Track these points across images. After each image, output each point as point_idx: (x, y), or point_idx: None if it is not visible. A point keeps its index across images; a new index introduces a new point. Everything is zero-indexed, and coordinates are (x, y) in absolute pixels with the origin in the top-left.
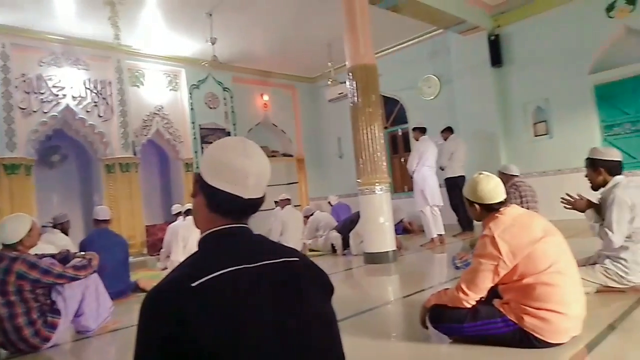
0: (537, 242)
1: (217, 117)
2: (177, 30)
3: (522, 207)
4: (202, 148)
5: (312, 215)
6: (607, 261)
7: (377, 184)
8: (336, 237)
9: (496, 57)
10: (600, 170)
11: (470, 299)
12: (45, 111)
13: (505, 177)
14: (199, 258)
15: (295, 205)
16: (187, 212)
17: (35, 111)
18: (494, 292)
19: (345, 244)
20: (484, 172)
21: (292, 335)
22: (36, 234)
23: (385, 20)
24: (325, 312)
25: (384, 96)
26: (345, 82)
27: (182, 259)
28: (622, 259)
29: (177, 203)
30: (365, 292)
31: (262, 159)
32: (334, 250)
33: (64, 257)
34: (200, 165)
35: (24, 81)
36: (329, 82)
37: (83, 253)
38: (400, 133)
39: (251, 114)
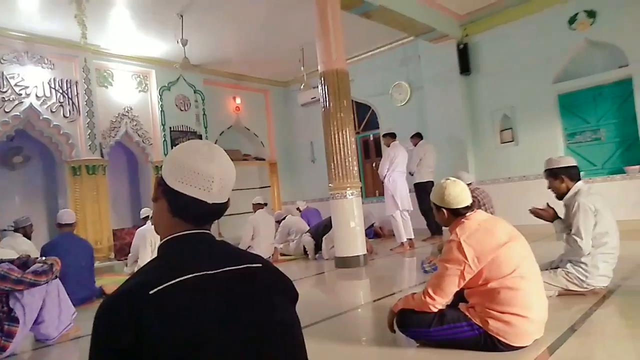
0: (502, 247)
1: (188, 120)
2: (147, 31)
3: None
4: None
5: (283, 219)
6: (568, 265)
7: (348, 189)
8: (309, 242)
9: (465, 65)
10: (562, 177)
11: (437, 304)
12: (7, 110)
13: None
14: (158, 264)
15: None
16: None
17: None
18: (460, 297)
19: (318, 248)
20: (450, 178)
21: (254, 342)
22: None
23: (357, 26)
24: (288, 319)
25: (355, 102)
26: (317, 87)
27: None
28: (582, 263)
29: (146, 207)
30: (336, 296)
31: (227, 163)
32: (305, 253)
33: (23, 262)
34: (163, 168)
35: None
36: (302, 87)
37: (44, 258)
38: (371, 138)
39: (223, 117)
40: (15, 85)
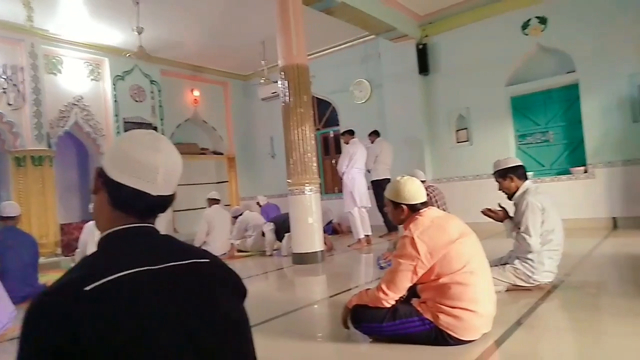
0: (453, 243)
1: (144, 111)
2: (101, 17)
3: None
4: None
5: (240, 215)
6: (516, 262)
7: (307, 185)
8: (270, 231)
9: (423, 65)
10: (510, 177)
11: (390, 299)
12: None
13: None
14: (96, 259)
15: (225, 205)
16: None
17: None
18: (413, 292)
19: (279, 238)
20: (405, 176)
21: (200, 339)
22: None
23: (319, 22)
24: (234, 314)
25: (316, 98)
26: (278, 82)
27: None
28: (529, 259)
29: None
30: (293, 292)
31: (174, 154)
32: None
33: None
34: (104, 158)
35: None
36: (262, 81)
37: None
38: (331, 135)
39: (180, 109)
40: None
